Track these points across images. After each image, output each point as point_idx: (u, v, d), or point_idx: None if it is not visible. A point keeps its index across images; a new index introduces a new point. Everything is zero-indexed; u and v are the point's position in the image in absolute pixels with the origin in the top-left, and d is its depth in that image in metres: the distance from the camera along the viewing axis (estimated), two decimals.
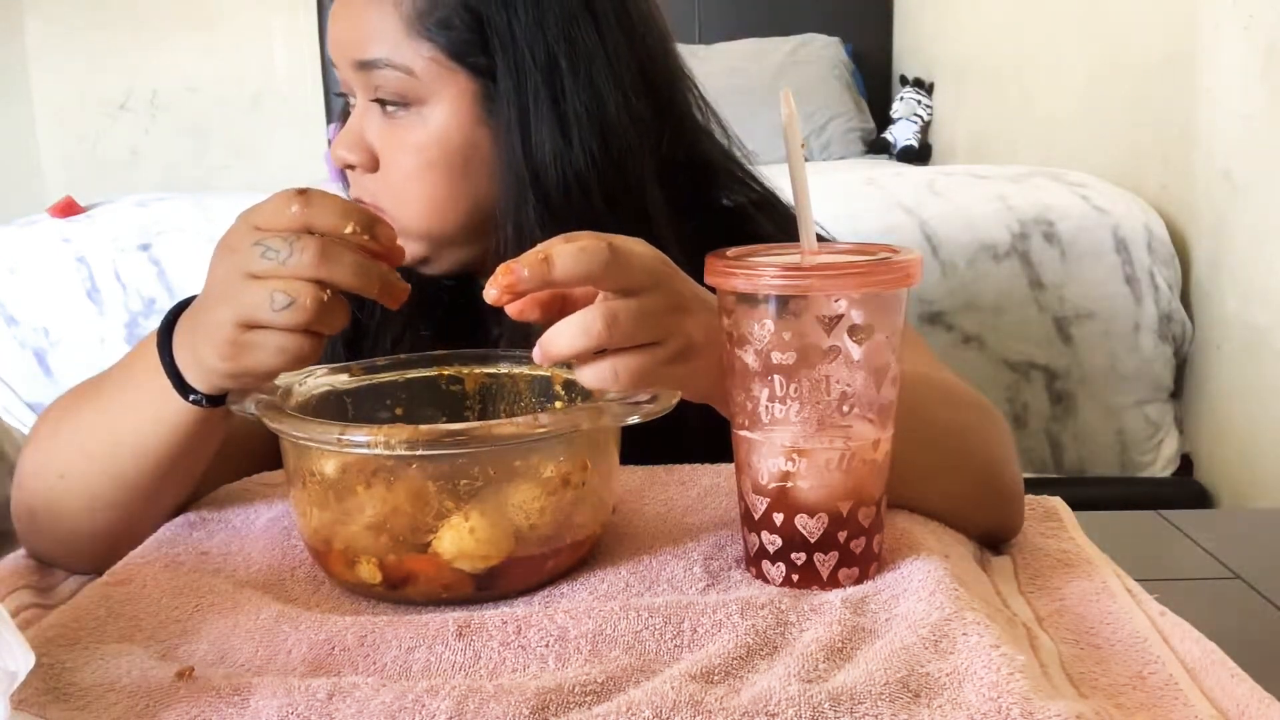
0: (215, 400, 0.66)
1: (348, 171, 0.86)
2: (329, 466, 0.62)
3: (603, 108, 0.83)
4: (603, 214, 0.82)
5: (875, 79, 3.53)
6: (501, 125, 0.83)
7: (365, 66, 0.82)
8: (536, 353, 0.58)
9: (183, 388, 0.65)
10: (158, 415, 0.67)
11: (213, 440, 0.71)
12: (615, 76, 0.83)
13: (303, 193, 0.60)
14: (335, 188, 0.78)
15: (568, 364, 0.60)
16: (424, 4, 0.82)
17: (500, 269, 0.57)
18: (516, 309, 0.59)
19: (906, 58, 3.51)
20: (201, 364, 0.63)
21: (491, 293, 0.58)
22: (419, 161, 0.83)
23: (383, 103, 0.83)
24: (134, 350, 0.70)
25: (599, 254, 0.57)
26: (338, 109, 3.61)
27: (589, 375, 0.59)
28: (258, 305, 0.59)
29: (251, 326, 0.60)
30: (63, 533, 0.71)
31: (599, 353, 0.58)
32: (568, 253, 0.56)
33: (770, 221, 0.90)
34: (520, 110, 0.82)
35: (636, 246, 0.59)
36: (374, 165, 0.84)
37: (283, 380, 0.67)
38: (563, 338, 0.57)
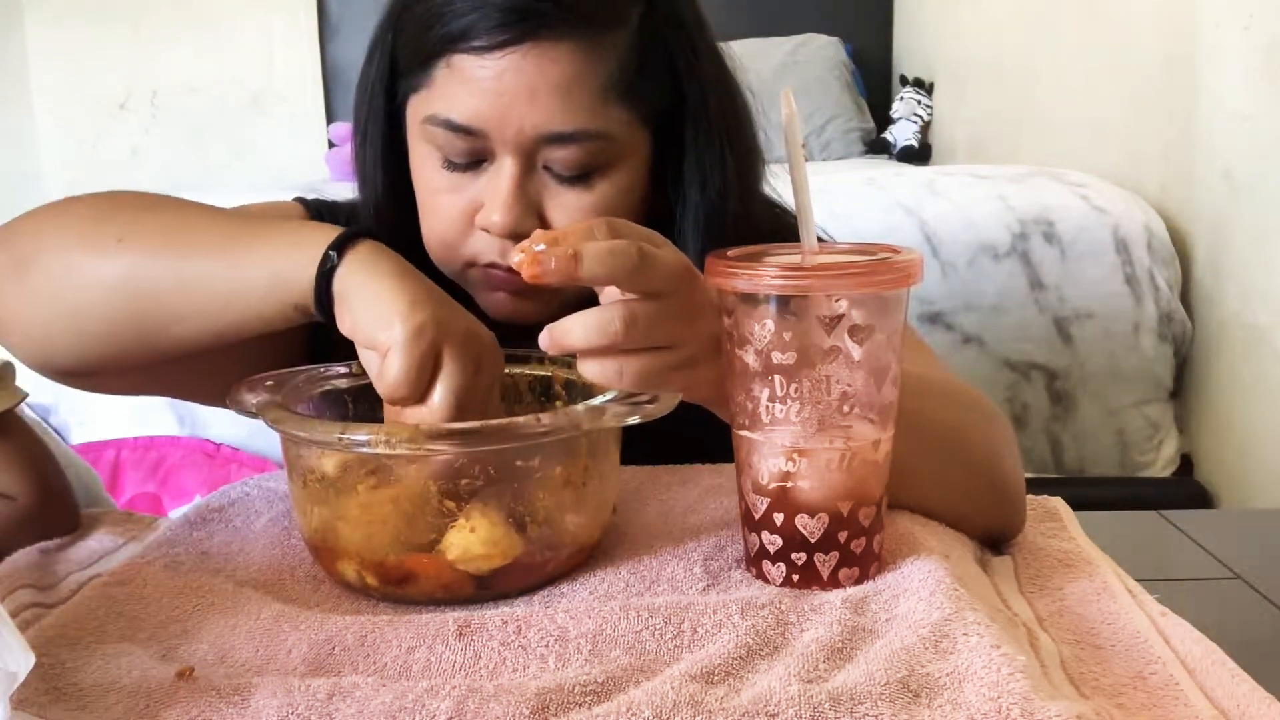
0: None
1: (513, 241, 0.78)
2: (330, 465, 0.62)
3: (752, 146, 0.87)
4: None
5: (875, 79, 3.52)
6: (679, 172, 0.84)
7: (558, 140, 0.77)
8: (544, 339, 0.58)
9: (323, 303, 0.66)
10: (266, 309, 0.68)
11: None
12: (745, 112, 0.88)
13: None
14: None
15: (570, 356, 0.60)
16: (631, 69, 0.79)
17: (527, 257, 0.56)
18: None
19: (906, 58, 3.50)
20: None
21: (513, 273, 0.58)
22: None
23: (552, 170, 0.79)
24: (279, 234, 0.69)
25: (628, 258, 0.57)
26: (339, 110, 3.63)
27: (594, 370, 0.59)
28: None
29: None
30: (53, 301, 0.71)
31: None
32: (597, 254, 0.56)
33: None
34: (705, 156, 0.83)
35: (663, 252, 0.59)
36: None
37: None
38: (577, 331, 0.57)
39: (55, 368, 0.72)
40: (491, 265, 0.81)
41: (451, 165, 0.80)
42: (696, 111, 0.83)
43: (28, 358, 0.73)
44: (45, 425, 1.08)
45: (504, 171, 0.78)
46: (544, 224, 0.80)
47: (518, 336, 0.87)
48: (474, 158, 0.79)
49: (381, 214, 0.88)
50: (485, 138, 0.78)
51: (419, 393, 0.61)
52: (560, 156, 0.78)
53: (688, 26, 0.83)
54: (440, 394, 0.62)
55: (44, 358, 0.72)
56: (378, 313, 0.63)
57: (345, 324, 0.64)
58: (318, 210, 0.94)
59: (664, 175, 0.85)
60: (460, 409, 0.62)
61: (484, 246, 0.81)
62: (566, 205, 0.80)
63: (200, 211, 0.73)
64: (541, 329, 0.83)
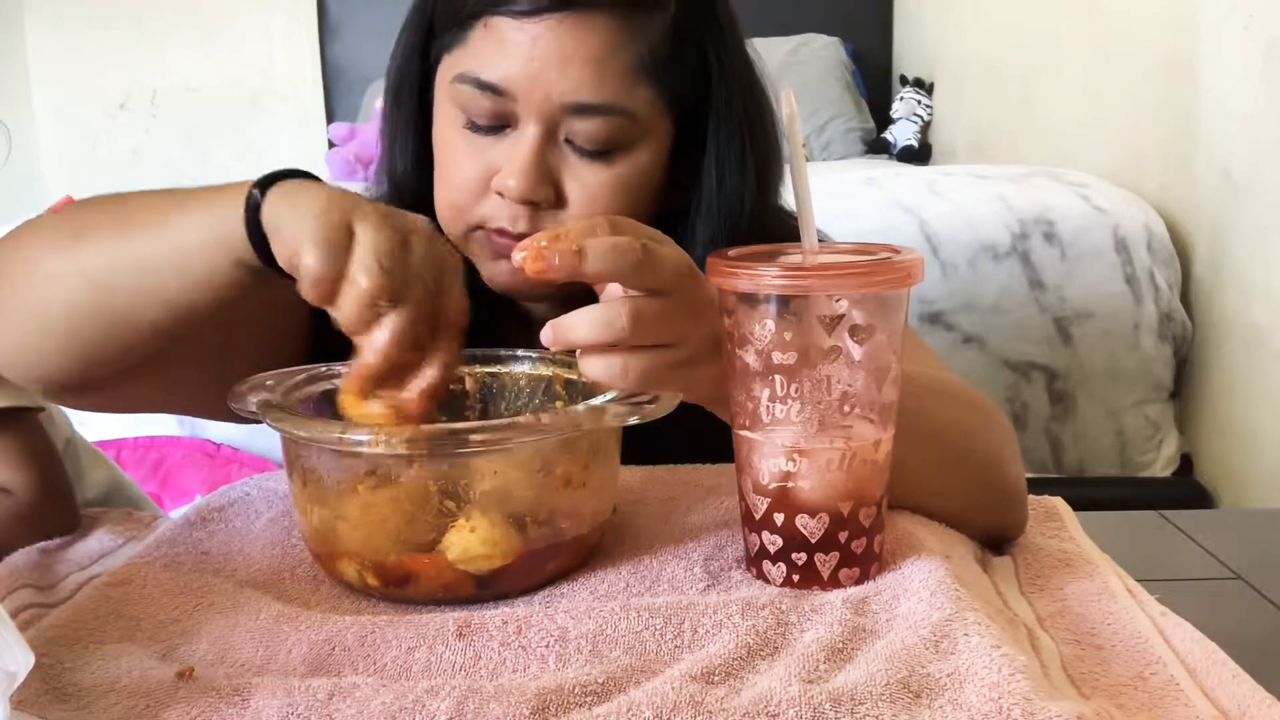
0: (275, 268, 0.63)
1: (526, 207, 0.80)
2: (330, 465, 0.62)
3: (773, 153, 0.87)
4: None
5: (875, 79, 3.53)
6: (698, 166, 0.84)
7: (583, 111, 0.78)
8: (547, 334, 0.58)
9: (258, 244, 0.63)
10: (211, 271, 0.65)
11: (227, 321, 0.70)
12: (770, 119, 0.88)
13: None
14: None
15: (571, 354, 0.59)
16: (663, 53, 0.79)
17: (531, 253, 0.56)
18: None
19: (906, 58, 3.50)
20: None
21: (517, 270, 0.57)
22: (614, 202, 0.81)
23: (573, 143, 0.80)
24: (207, 202, 0.67)
25: (632, 254, 0.57)
26: (339, 110, 3.63)
27: (597, 367, 0.58)
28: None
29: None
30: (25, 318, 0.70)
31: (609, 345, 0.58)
32: (601, 250, 0.56)
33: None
34: (725, 153, 0.84)
35: (666, 249, 0.59)
36: (558, 203, 0.81)
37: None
38: (581, 326, 0.57)
39: (41, 380, 0.72)
40: (499, 231, 0.81)
41: (474, 127, 0.81)
42: (721, 109, 0.84)
43: (12, 371, 0.72)
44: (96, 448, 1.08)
45: (525, 137, 0.79)
46: (558, 196, 0.80)
47: (518, 329, 0.86)
48: (497, 121, 0.80)
49: (403, 180, 0.88)
50: (511, 100, 0.79)
51: (334, 267, 0.58)
52: (583, 129, 0.79)
53: (722, 24, 0.84)
54: (358, 258, 0.58)
55: (25, 368, 0.72)
56: (296, 222, 0.60)
57: (280, 255, 0.62)
58: None
59: (683, 169, 0.85)
60: (388, 275, 0.57)
61: (494, 211, 0.81)
62: (583, 179, 0.80)
63: (149, 195, 0.72)
64: (539, 301, 0.81)
